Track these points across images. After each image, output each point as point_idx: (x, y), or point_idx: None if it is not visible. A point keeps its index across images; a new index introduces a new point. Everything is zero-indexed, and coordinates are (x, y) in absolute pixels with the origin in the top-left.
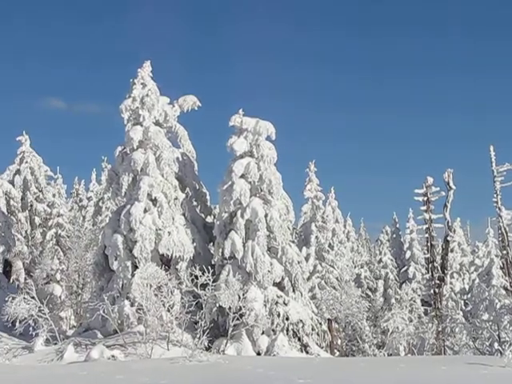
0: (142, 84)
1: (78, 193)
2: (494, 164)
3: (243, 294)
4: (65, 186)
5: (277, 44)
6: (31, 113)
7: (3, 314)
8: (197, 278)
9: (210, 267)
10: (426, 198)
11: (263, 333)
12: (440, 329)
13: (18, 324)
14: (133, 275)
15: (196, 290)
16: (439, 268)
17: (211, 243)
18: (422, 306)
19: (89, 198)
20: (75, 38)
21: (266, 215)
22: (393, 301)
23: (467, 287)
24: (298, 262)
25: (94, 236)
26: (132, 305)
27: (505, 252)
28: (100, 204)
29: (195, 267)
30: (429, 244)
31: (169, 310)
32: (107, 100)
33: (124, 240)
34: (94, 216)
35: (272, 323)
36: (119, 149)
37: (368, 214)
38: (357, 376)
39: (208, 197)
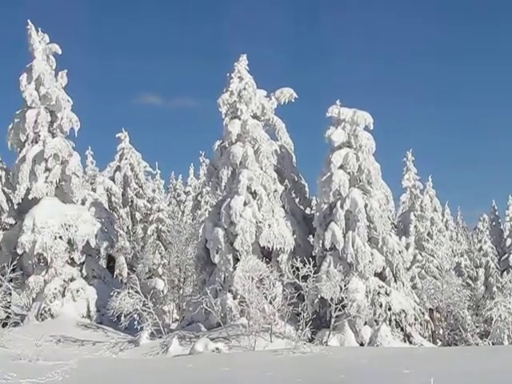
0: (238, 78)
1: (176, 188)
2: None
3: (345, 285)
4: (162, 181)
5: (376, 35)
6: (129, 109)
7: (108, 308)
8: (298, 270)
9: (310, 259)
10: None
11: (366, 323)
12: None
13: (122, 318)
14: (234, 268)
15: (297, 281)
16: None
17: (311, 235)
18: None
19: (187, 193)
20: (171, 34)
21: (365, 205)
22: (494, 289)
23: None
24: (399, 252)
25: (193, 230)
26: (234, 297)
27: None
28: (199, 198)
29: (296, 259)
30: None
31: (271, 302)
32: (204, 94)
33: (225, 233)
34: (192, 210)
35: (374, 314)
36: (217, 143)
37: (464, 202)
38: (462, 365)
39: (307, 188)
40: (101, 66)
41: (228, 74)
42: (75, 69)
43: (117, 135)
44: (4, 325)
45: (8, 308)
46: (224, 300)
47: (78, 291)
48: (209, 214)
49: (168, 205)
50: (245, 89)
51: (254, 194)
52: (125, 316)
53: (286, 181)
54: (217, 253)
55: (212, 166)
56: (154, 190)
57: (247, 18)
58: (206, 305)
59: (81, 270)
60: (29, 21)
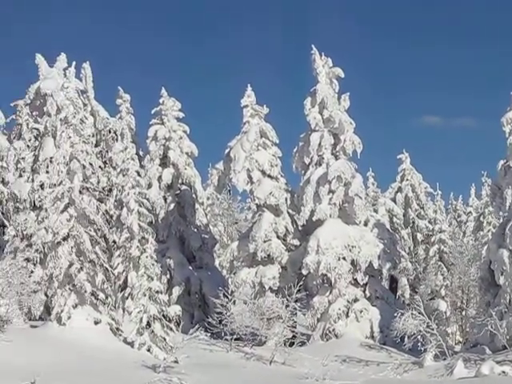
0: None
1: (456, 208)
2: None
3: None
4: (443, 201)
5: None
6: (409, 131)
7: (392, 329)
8: None
9: None
10: None
11: None
12: None
13: (406, 339)
14: None
15: None
16: None
17: None
18: None
19: (468, 213)
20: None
21: None
22: None
23: None
24: None
25: (476, 251)
26: None
27: None
28: (481, 219)
29: None
30: None
31: None
32: (484, 114)
33: (509, 254)
34: (474, 231)
35: None
36: (501, 162)
37: None
38: None
39: None
40: (380, 89)
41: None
42: (355, 91)
43: (398, 156)
44: (291, 344)
45: (294, 328)
46: (510, 322)
47: (361, 312)
48: (492, 235)
49: (448, 225)
50: None
51: None
52: (408, 337)
53: None
54: (501, 274)
55: (495, 185)
56: (435, 211)
57: None
58: (491, 327)
59: (364, 291)
60: (313, 46)
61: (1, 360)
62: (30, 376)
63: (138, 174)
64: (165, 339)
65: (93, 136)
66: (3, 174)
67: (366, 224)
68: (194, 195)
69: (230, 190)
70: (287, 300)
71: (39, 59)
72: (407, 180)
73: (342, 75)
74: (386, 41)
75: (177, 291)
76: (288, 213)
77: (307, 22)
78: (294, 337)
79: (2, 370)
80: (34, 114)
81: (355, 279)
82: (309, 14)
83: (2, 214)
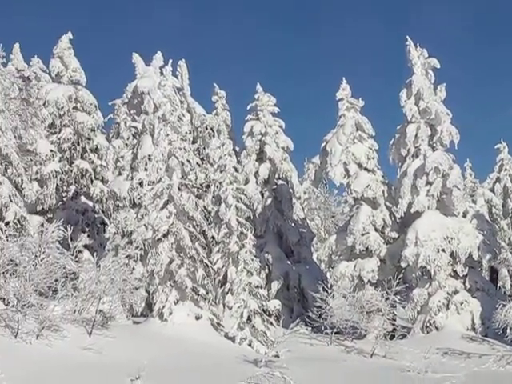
0: None
1: None
2: None
3: None
4: None
5: None
6: (507, 120)
7: (494, 321)
8: None
9: None
10: None
11: None
12: None
13: (508, 331)
14: None
15: None
16: None
17: None
18: None
19: None
20: None
21: None
22: None
23: None
24: None
25: None
26: None
27: None
28: None
29: None
30: None
31: None
32: None
33: None
34: None
35: None
36: None
37: None
38: None
39: None
40: (477, 79)
41: None
42: (452, 82)
43: (496, 146)
44: (391, 337)
45: (394, 321)
46: None
47: (461, 304)
48: None
49: None
50: None
51: None
52: (510, 329)
53: None
54: None
55: None
56: None
57: None
58: None
59: (464, 283)
60: (408, 37)
61: (106, 356)
62: (134, 371)
63: (236, 170)
64: (265, 334)
65: (190, 133)
66: (103, 172)
67: (464, 215)
68: (290, 190)
69: (326, 184)
70: (387, 293)
71: (136, 58)
72: (506, 170)
73: (438, 66)
74: (485, 30)
75: (276, 286)
76: (385, 205)
77: (403, 12)
78: (394, 330)
79: (108, 365)
80: (131, 112)
81: (455, 271)
82: (404, 4)
83: (103, 212)
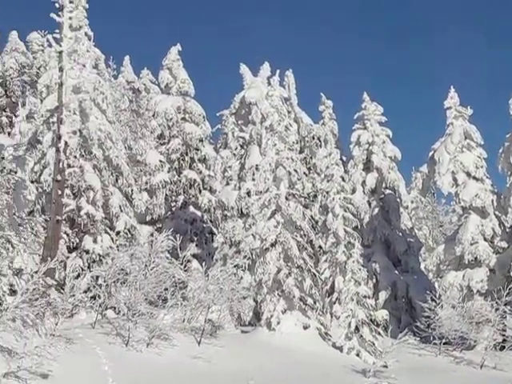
0: None
1: None
2: None
3: None
4: None
5: None
6: None
7: None
8: None
9: None
10: None
11: None
12: None
13: None
14: None
15: None
16: None
17: None
18: None
19: None
20: None
21: None
22: None
23: None
24: None
25: None
26: None
27: None
28: None
29: None
30: None
31: None
32: None
33: None
34: None
35: None
36: None
37: None
38: None
39: None
40: None
41: None
42: None
43: None
44: (501, 348)
45: (504, 331)
46: None
47: None
48: None
49: None
50: None
51: None
52: None
53: None
54: None
55: None
56: None
57: None
58: None
59: None
60: None
61: (215, 364)
62: (243, 380)
63: (343, 179)
64: (373, 344)
65: (297, 143)
66: (211, 182)
67: None
68: (398, 199)
69: (434, 193)
70: (496, 303)
71: (243, 69)
72: None
73: None
74: None
75: (383, 296)
76: (495, 214)
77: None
78: (504, 340)
79: (218, 374)
80: (239, 122)
81: None
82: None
83: (211, 221)
